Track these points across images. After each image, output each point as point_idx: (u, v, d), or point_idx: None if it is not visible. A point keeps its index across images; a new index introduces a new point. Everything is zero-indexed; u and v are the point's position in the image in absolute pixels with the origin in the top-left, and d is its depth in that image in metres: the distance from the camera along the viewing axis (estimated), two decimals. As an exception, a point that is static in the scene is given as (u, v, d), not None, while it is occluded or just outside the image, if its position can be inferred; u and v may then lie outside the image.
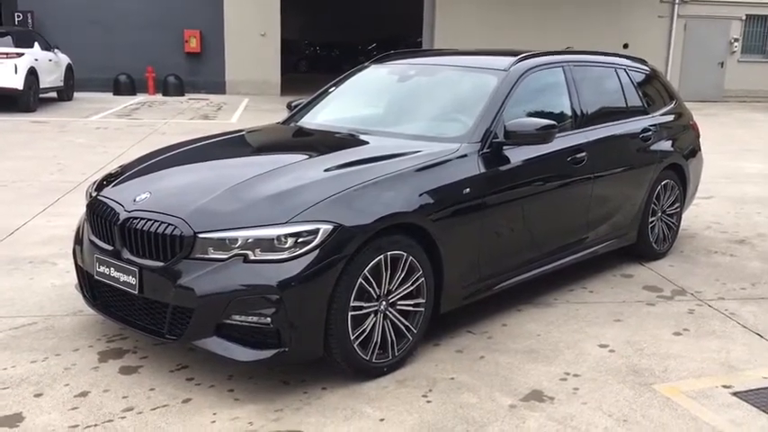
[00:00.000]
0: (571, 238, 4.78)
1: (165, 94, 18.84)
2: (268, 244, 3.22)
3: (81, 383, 3.44)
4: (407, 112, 4.69)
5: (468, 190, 3.87)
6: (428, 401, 3.35)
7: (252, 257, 3.21)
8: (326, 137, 4.48)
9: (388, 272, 3.49)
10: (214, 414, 3.19)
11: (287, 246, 3.21)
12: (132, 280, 3.41)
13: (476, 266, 4.01)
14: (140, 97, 18.37)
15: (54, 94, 16.66)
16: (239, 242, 3.22)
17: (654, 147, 5.47)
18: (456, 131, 4.18)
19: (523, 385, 3.53)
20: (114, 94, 18.58)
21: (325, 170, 3.65)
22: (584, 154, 4.69)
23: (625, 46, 20.23)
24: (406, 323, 3.64)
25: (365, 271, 3.38)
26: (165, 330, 3.37)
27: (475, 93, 4.44)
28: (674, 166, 5.70)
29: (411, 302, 3.64)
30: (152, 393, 3.36)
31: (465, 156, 3.97)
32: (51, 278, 4.87)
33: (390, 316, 3.56)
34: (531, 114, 4.51)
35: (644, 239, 5.51)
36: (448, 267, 3.78)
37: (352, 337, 3.37)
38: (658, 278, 5.26)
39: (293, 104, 5.29)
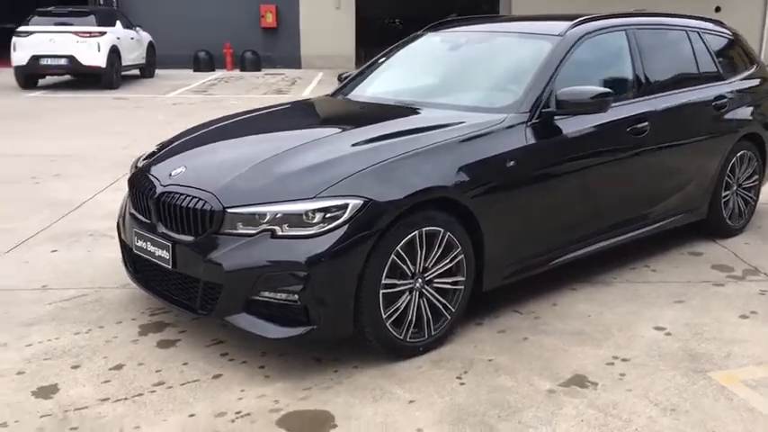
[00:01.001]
0: (631, 213, 4.50)
1: (242, 70, 19.12)
2: (297, 219, 3.13)
3: (118, 356, 3.47)
4: (457, 83, 4.51)
5: (512, 163, 3.67)
6: (462, 384, 3.21)
7: (279, 233, 3.13)
8: (369, 109, 4.36)
9: (424, 249, 3.35)
10: (242, 391, 3.16)
11: (315, 221, 3.12)
12: (166, 255, 3.41)
13: (522, 243, 3.83)
14: (218, 73, 18.70)
15: (136, 72, 17.16)
16: (267, 217, 3.16)
17: (729, 115, 5.09)
18: (504, 101, 3.97)
19: (566, 369, 3.34)
20: (194, 71, 18.99)
21: (359, 143, 3.52)
22: (645, 124, 4.39)
23: (717, 9, 19.12)
24: (444, 301, 3.50)
25: (398, 248, 3.25)
26: (197, 305, 3.35)
27: (527, 60, 4.21)
28: (753, 136, 5.29)
29: (449, 280, 3.50)
30: (185, 368, 3.36)
31: (511, 127, 3.77)
32: (107, 251, 4.97)
33: (427, 294, 3.43)
34: (588, 82, 4.23)
35: (716, 214, 5.15)
36: (490, 244, 3.61)
37: (384, 316, 3.27)
38: (730, 256, 4.91)
39: (343, 76, 5.18)
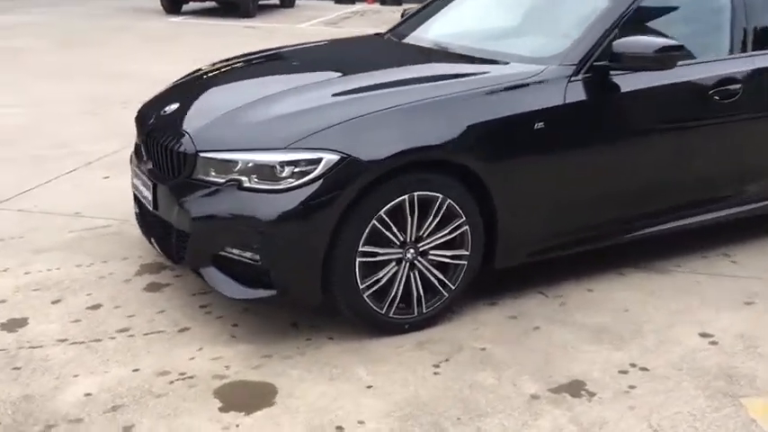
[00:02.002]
0: (708, 192, 3.80)
1: (382, 3, 18.74)
2: (268, 171, 2.82)
3: (102, 295, 3.38)
4: (511, 26, 3.95)
5: (541, 124, 3.13)
6: (436, 373, 2.83)
7: (246, 185, 2.84)
8: (395, 51, 3.95)
9: (415, 216, 2.95)
10: (199, 349, 2.95)
11: (284, 175, 2.80)
12: (149, 195, 3.23)
13: (552, 218, 3.30)
14: (359, 6, 18.44)
15: (277, 1, 17.25)
16: (239, 166, 2.86)
17: None
18: (549, 50, 3.39)
19: (565, 372, 2.86)
20: (336, 2, 18.82)
21: (350, 91, 3.12)
22: (738, 86, 3.64)
23: None
24: (441, 277, 3.09)
25: (381, 212, 2.87)
26: (173, 252, 3.16)
27: (592, 2, 3.57)
28: None
29: (449, 253, 3.08)
30: (157, 317, 3.20)
31: (547, 81, 3.21)
32: (152, 182, 4.91)
33: (420, 267, 3.04)
34: (667, 34, 3.55)
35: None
36: (505, 216, 3.13)
37: (360, 286, 2.92)
38: (839, 254, 4.08)
39: (405, 13, 4.73)
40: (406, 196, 2.90)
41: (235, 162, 2.87)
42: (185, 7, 15.94)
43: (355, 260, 2.87)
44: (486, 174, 3.02)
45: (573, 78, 3.24)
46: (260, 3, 16.07)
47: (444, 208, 2.99)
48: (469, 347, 3.01)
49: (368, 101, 2.99)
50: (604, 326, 3.21)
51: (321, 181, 2.77)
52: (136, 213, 3.68)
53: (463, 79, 3.19)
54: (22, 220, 4.24)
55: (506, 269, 3.35)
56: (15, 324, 3.11)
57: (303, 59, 4.09)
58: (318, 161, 2.78)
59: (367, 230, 2.86)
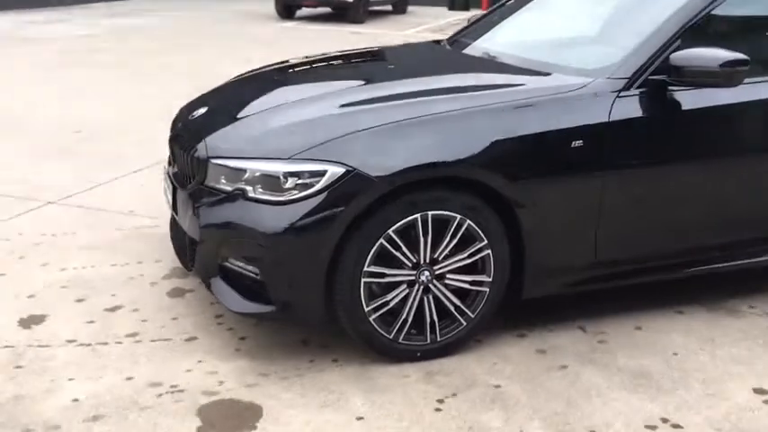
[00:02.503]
0: (789, 226, 3.34)
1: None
2: (273, 182, 2.69)
3: (124, 297, 3.36)
4: (569, 36, 3.65)
5: (579, 143, 2.83)
6: (438, 410, 2.59)
7: (251, 194, 2.72)
8: (439, 60, 3.76)
9: (429, 236, 2.73)
10: (199, 362, 2.86)
11: (287, 187, 2.65)
12: (171, 199, 3.18)
13: (591, 246, 2.98)
14: (471, 13, 18.14)
15: (389, 7, 17.29)
16: (246, 174, 2.75)
17: None
18: (598, 62, 3.08)
19: (585, 421, 2.55)
20: (449, 9, 18.64)
21: (364, 101, 2.93)
22: (827, 108, 3.18)
23: None
24: (458, 303, 2.85)
25: (390, 231, 2.67)
26: (187, 258, 3.10)
27: (657, 10, 3.22)
28: None
29: (468, 279, 2.84)
30: (170, 323, 3.14)
31: (590, 95, 2.90)
32: (211, 185, 4.92)
33: (435, 291, 2.81)
34: (736, 47, 3.13)
35: None
36: (534, 242, 2.85)
37: (366, 308, 2.73)
38: None
39: (472, 19, 4.51)
40: (418, 215, 2.69)
41: (243, 170, 2.76)
42: (299, 12, 16.23)
43: (360, 280, 2.69)
44: (510, 193, 2.76)
45: (622, 93, 2.92)
46: (373, 9, 16.16)
47: (463, 229, 2.75)
48: (483, 383, 2.75)
49: (381, 112, 2.79)
50: (644, 371, 2.87)
51: (325, 194, 2.61)
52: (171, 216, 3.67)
53: (493, 91, 2.94)
54: (79, 215, 4.33)
55: (546, 298, 3.07)
56: (33, 321, 3.13)
57: (341, 66, 3.95)
58: (323, 173, 2.62)
59: (374, 249, 2.67)
